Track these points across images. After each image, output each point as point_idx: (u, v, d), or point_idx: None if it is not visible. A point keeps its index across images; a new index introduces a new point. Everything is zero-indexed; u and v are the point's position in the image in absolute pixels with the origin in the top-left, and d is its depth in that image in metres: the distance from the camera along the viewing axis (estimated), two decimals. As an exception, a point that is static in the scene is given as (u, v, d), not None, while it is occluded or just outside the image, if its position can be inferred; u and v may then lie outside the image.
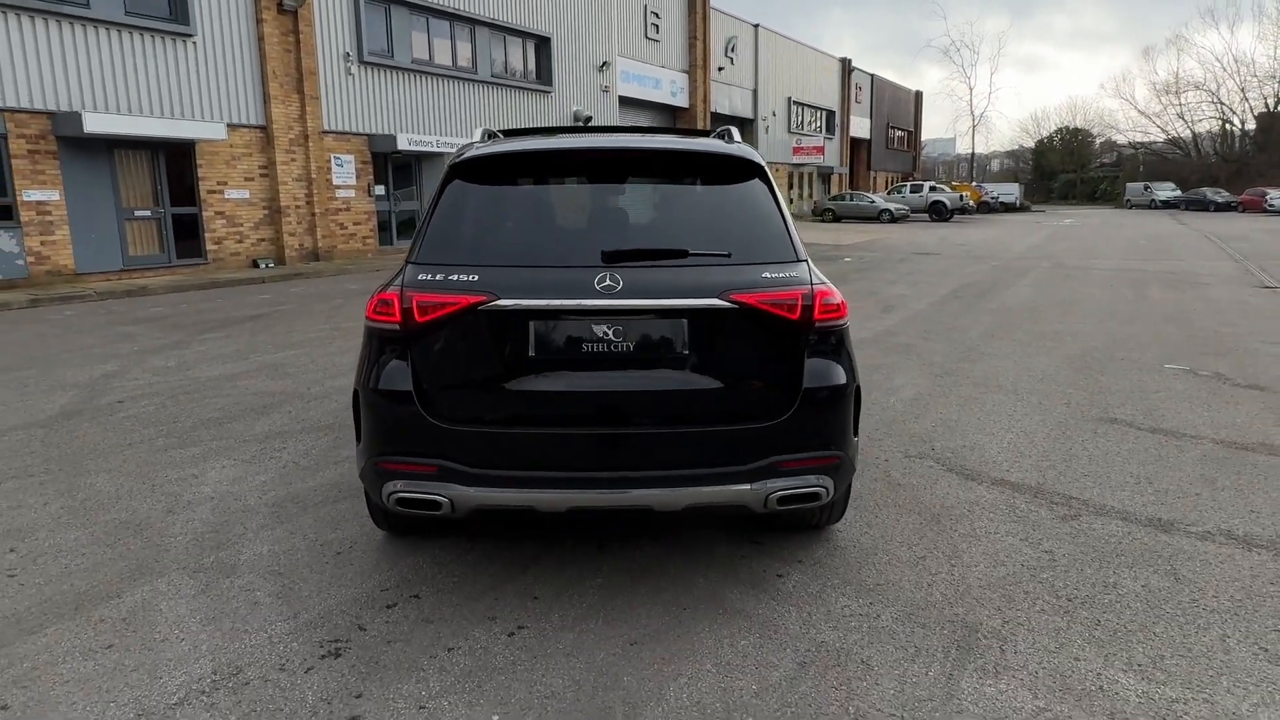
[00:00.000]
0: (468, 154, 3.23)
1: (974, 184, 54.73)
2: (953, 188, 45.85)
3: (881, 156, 54.45)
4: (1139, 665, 2.76)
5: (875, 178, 53.53)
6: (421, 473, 2.94)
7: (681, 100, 31.50)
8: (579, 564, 3.49)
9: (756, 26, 36.63)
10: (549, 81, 23.86)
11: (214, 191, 15.61)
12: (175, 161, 14.96)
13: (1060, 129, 74.88)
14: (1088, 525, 3.91)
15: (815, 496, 3.05)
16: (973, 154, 71.16)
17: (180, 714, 2.52)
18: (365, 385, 3.01)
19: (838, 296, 3.09)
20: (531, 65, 23.64)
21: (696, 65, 31.65)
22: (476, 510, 2.98)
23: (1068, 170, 71.61)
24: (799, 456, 2.98)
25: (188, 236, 15.31)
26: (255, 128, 16.13)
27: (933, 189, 40.92)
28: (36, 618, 3.09)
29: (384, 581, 3.36)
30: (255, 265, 16.26)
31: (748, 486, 2.94)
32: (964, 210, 40.30)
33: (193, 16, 14.79)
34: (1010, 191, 53.41)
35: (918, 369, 7.32)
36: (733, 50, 34.70)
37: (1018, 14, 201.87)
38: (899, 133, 57.94)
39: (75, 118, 12.88)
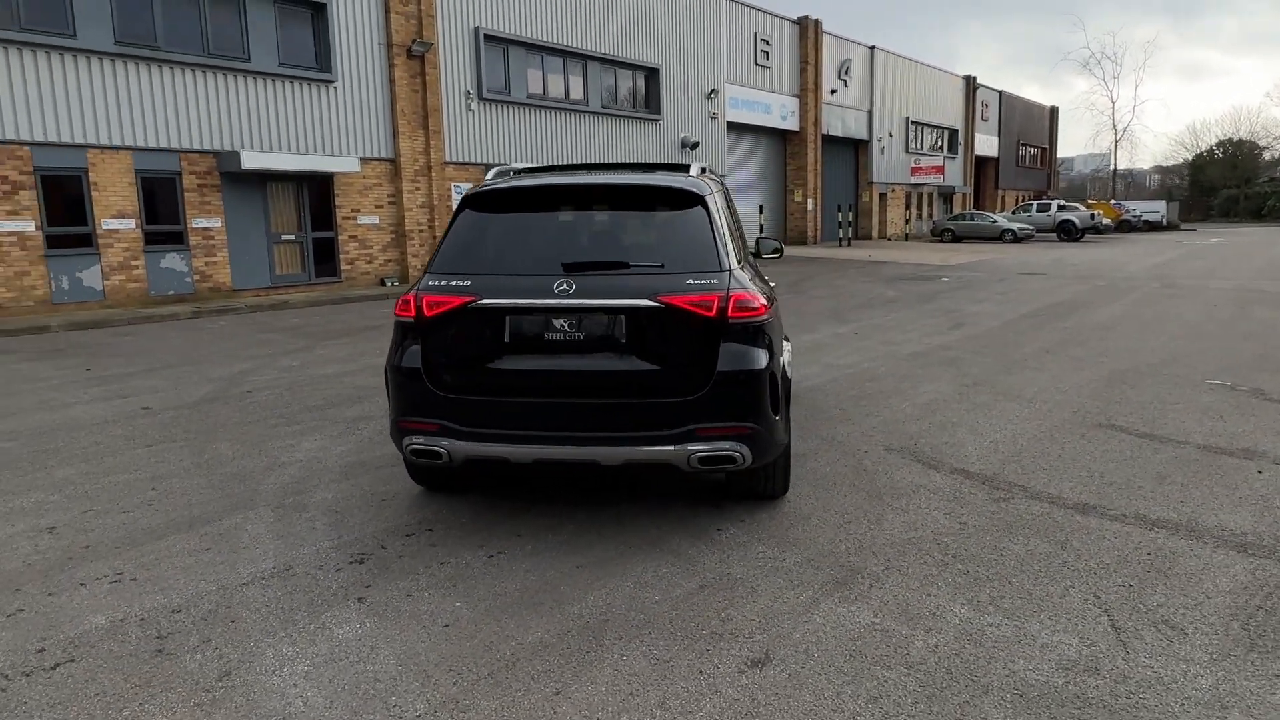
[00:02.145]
0: (475, 189, 4.19)
1: (1113, 202, 52.02)
2: (1088, 206, 43.93)
3: (1011, 175, 52.73)
4: (977, 601, 3.35)
5: (1003, 196, 51.89)
6: (427, 430, 3.90)
7: (792, 124, 32.03)
8: (560, 515, 4.35)
9: (872, 49, 36.70)
10: (657, 110, 25.04)
11: (348, 218, 17.56)
12: (316, 192, 16.98)
13: (1222, 141, 69.79)
14: (1015, 506, 4.42)
15: (731, 459, 3.81)
16: (1114, 170, 67.52)
17: (246, 589, 3.55)
18: (391, 364, 4.02)
19: (755, 300, 3.84)
20: (641, 95, 24.90)
21: (807, 89, 32.12)
22: (467, 459, 3.90)
23: (1229, 185, 66.59)
24: (714, 425, 3.75)
25: (325, 258, 17.29)
26: (385, 160, 18.02)
27: (1061, 207, 39.42)
28: (162, 530, 4.25)
29: (410, 520, 4.34)
30: (382, 283, 18.10)
31: (672, 448, 3.74)
32: (1097, 229, 38.61)
33: (334, 65, 16.80)
34: (1156, 209, 50.44)
35: (948, 380, 7.76)
36: (846, 73, 34.92)
37: (1179, 17, 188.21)
38: (1031, 150, 55.91)
39: (235, 156, 14.99)
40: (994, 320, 11.93)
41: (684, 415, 3.73)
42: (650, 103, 25.06)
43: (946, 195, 45.20)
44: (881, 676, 2.82)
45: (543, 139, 21.51)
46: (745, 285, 3.88)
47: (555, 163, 20.78)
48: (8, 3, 12.86)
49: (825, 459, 5.30)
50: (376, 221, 18.11)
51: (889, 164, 38.81)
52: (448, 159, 19.16)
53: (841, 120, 35.06)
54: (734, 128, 29.04)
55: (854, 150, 37.39)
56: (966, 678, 2.81)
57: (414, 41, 17.92)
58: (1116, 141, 71.55)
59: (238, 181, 15.63)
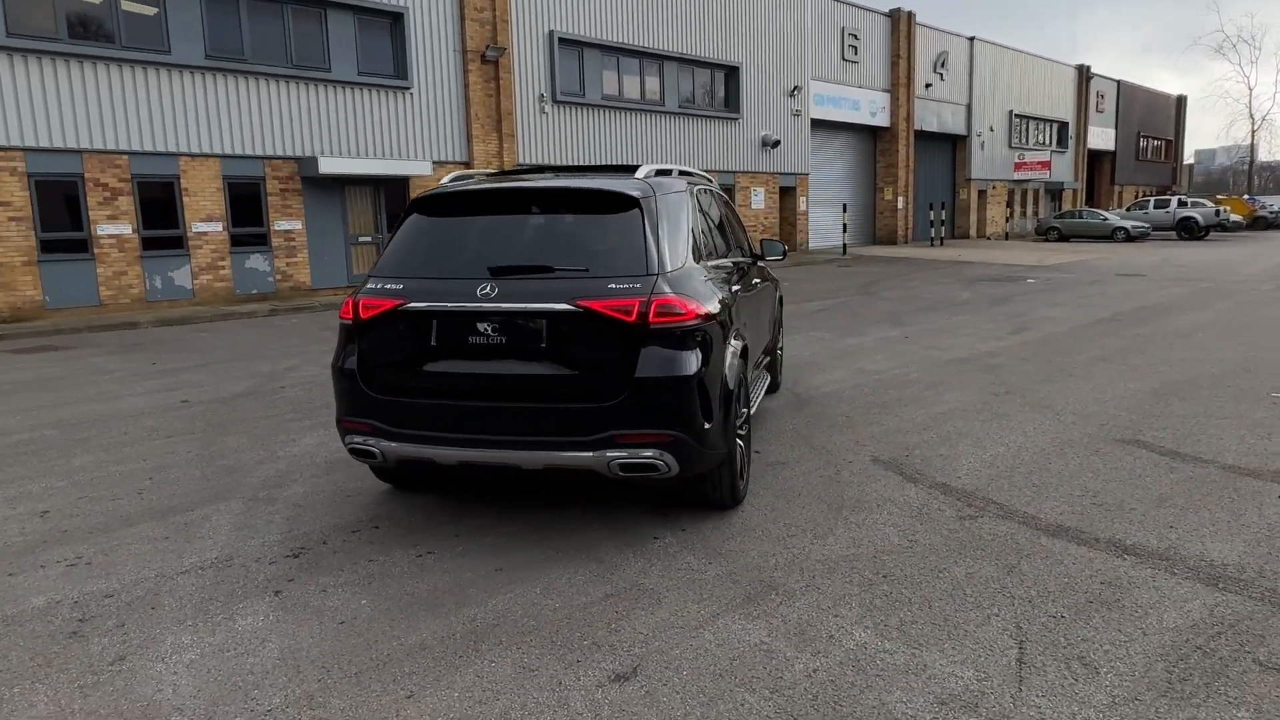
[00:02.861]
0: (423, 193, 4.25)
1: (1246, 197, 48.10)
2: (1217, 202, 40.79)
3: (1130, 169, 49.58)
4: (884, 626, 3.16)
5: (1120, 193, 48.85)
6: (362, 430, 3.99)
7: (882, 120, 31.09)
8: (507, 517, 4.37)
9: (972, 39, 35.20)
10: (736, 108, 24.79)
11: (423, 220, 18.15)
12: (391, 195, 17.63)
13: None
14: (980, 525, 4.16)
15: (654, 468, 3.73)
16: (1251, 162, 62.40)
17: (181, 578, 3.72)
18: (334, 365, 4.13)
19: (684, 305, 3.75)
20: (720, 93, 24.71)
21: (899, 84, 31.10)
22: (399, 460, 3.97)
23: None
24: (634, 432, 3.68)
25: (401, 258, 17.92)
26: (459, 164, 18.53)
27: (1182, 203, 36.79)
28: (137, 519, 4.50)
29: (363, 516, 4.45)
30: (455, 283, 18.64)
31: (590, 454, 3.69)
32: (1223, 227, 35.87)
33: (410, 72, 17.39)
34: (1297, 204, 46.34)
35: (978, 388, 7.37)
36: (943, 65, 33.63)
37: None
38: (1154, 142, 52.40)
39: (314, 161, 15.74)
40: (1062, 325, 11.25)
41: (602, 421, 3.68)
42: (730, 101, 24.84)
43: (1055, 192, 42.91)
44: (741, 700, 2.71)
45: (617, 140, 21.64)
46: (677, 289, 3.80)
47: (628, 163, 20.87)
48: (112, 24, 13.91)
49: (804, 468, 5.12)
50: (450, 223, 18.63)
51: (989, 159, 37.17)
52: (520, 162, 19.51)
53: (937, 115, 33.79)
54: (819, 125, 28.44)
55: (950, 146, 35.98)
56: (830, 706, 2.66)
57: (488, 47, 18.35)
58: (1254, 131, 66.03)
59: (317, 186, 16.39)
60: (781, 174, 26.64)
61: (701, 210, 4.92)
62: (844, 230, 27.29)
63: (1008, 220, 38.47)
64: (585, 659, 2.97)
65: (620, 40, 21.39)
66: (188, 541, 4.15)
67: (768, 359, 6.75)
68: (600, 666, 2.92)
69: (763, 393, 5.99)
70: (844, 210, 27.29)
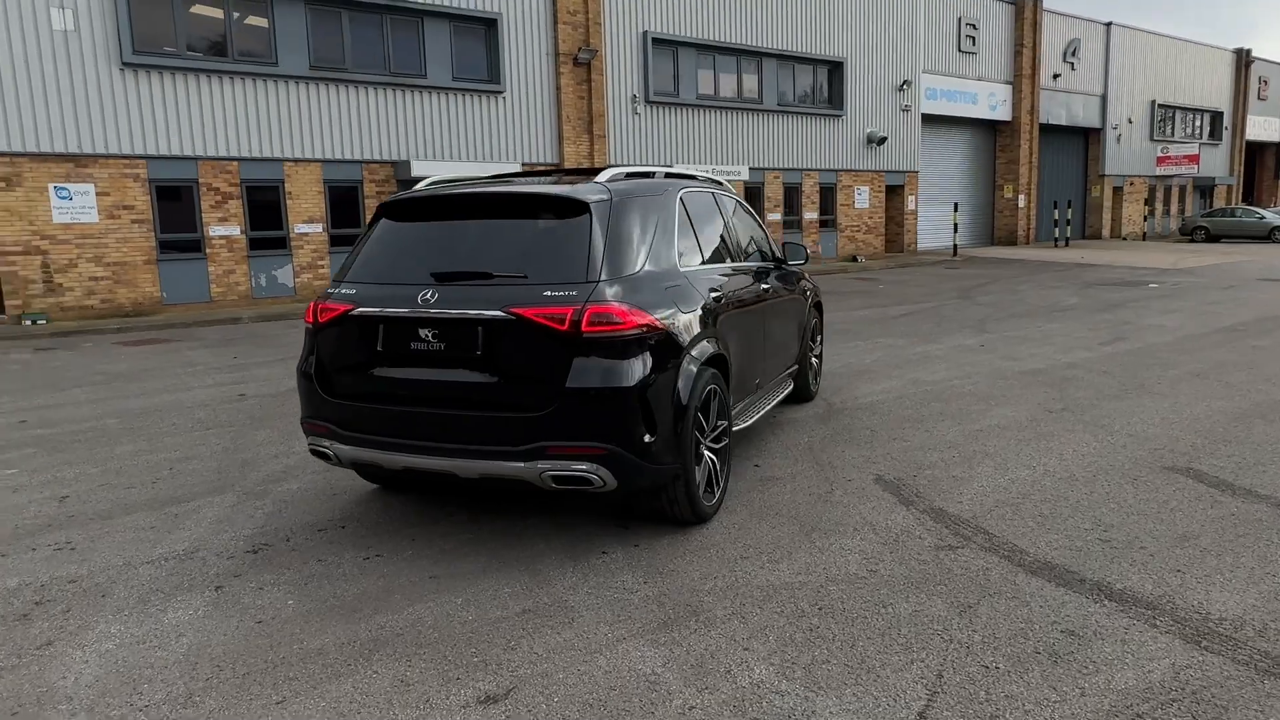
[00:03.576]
0: (389, 198, 4.29)
1: None
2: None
3: (1297, 162, 44.91)
4: (791, 664, 2.93)
5: (1285, 188, 44.35)
6: (319, 431, 4.06)
7: (1003, 114, 29.41)
8: (469, 523, 4.35)
9: (1109, 25, 32.77)
10: (840, 105, 24.05)
11: (514, 220, 18.55)
12: (484, 196, 18.10)
13: None
14: (956, 557, 3.81)
15: (587, 481, 3.61)
16: None
17: (143, 568, 3.90)
18: (298, 367, 4.22)
19: (621, 314, 3.60)
20: (822, 90, 24.04)
21: (1022, 75, 29.33)
22: (351, 462, 4.02)
23: None
24: (564, 444, 3.57)
25: (492, 258, 18.39)
26: (550, 165, 18.80)
27: (1356, 200, 32.99)
28: (137, 507, 4.76)
29: (337, 515, 4.54)
30: (545, 283, 18.95)
31: (522, 464, 3.61)
32: None
33: (503, 76, 17.79)
34: None
35: (1034, 403, 6.81)
36: (1074, 54, 31.48)
37: None
38: (1328, 132, 47.21)
39: (407, 165, 16.35)
40: (1168, 335, 10.28)
41: (533, 432, 3.59)
42: (833, 98, 24.13)
43: (1205, 188, 39.43)
44: (598, 734, 2.57)
45: (712, 139, 21.42)
46: (621, 297, 3.66)
47: (715, 164, 20.65)
48: (225, 39, 14.92)
49: (797, 485, 4.86)
50: (541, 224, 18.96)
51: (1127, 154, 34.54)
52: (611, 163, 19.62)
53: (1066, 107, 31.68)
54: (931, 120, 27.22)
55: (1082, 140, 33.67)
56: (687, 750, 2.48)
57: (580, 49, 18.54)
58: None
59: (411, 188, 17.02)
60: (888, 172, 25.66)
61: (690, 215, 4.74)
62: (954, 230, 26.00)
63: (1146, 219, 35.63)
64: (466, 677, 2.90)
65: (716, 39, 21.15)
66: (168, 532, 4.36)
67: (793, 368, 6.48)
68: (476, 686, 2.84)
69: (773, 404, 5.73)
70: (955, 209, 26.00)
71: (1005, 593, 3.44)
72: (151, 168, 14.33)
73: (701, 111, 21.17)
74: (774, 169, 22.86)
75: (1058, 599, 3.37)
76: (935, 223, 28.28)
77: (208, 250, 15.07)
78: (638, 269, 3.93)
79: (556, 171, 4.41)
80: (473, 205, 4.09)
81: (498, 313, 3.61)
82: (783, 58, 22.72)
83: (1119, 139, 34.01)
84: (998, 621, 3.20)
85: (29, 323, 13.29)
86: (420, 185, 4.55)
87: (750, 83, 22.31)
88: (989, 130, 30.17)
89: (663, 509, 4.08)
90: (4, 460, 5.82)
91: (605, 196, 3.97)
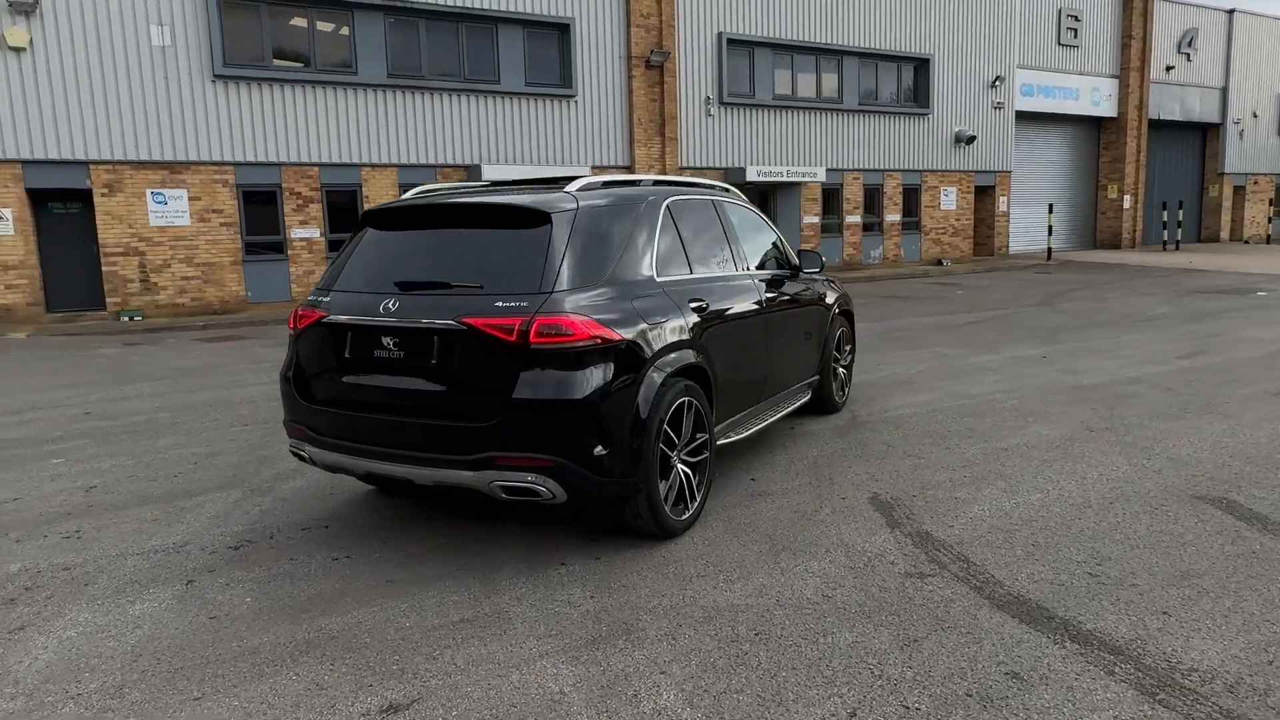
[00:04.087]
0: (373, 207, 4.38)
1: None
2: None
3: None
4: (703, 693, 2.84)
5: None
6: (298, 435, 4.19)
7: (1107, 109, 27.83)
8: (446, 528, 4.41)
9: (1231, 13, 30.54)
10: (926, 103, 23.26)
11: (584, 223, 18.73)
12: (555, 199, 18.34)
13: None
14: (922, 586, 3.61)
15: (534, 493, 3.60)
16: None
17: (131, 559, 4.11)
18: (280, 371, 4.37)
19: (572, 325, 3.57)
20: (907, 88, 23.31)
21: (1130, 68, 27.67)
22: (324, 466, 4.12)
23: None
24: (512, 455, 3.57)
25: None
26: (621, 168, 18.90)
27: None
28: (152, 499, 5.03)
29: (325, 515, 4.67)
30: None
31: (471, 474, 3.63)
32: None
33: (575, 80, 17.99)
34: None
35: (1076, 422, 6.41)
36: (1190, 45, 29.48)
37: None
38: None
39: (478, 169, 16.73)
40: (1258, 350, 9.51)
41: (482, 442, 3.60)
42: (918, 96, 23.37)
43: (1342, 186, 36.23)
44: (481, 752, 2.55)
45: (787, 140, 21.07)
46: (574, 308, 3.63)
47: (790, 165, 20.30)
48: (308, 50, 15.63)
49: (786, 501, 4.72)
50: (611, 226, 19.08)
51: (1252, 150, 32.14)
52: (683, 164, 19.57)
53: (1180, 101, 29.71)
54: (1026, 117, 26.03)
55: (1198, 136, 31.52)
56: (561, 775, 2.43)
57: (653, 52, 18.56)
58: None
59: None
60: (977, 172, 24.67)
61: (678, 224, 4.66)
62: (1049, 233, 24.74)
63: (1271, 220, 33.04)
64: (378, 685, 2.93)
65: (794, 38, 20.80)
66: (168, 525, 4.58)
67: (812, 379, 6.30)
68: (383, 695, 2.87)
69: (779, 416, 5.59)
70: (1049, 211, 24.75)
71: (960, 627, 3.24)
72: (239, 174, 15.14)
73: (777, 112, 20.86)
74: (853, 170, 22.30)
75: (1015, 637, 3.15)
76: (1029, 225, 27.02)
77: (289, 251, 15.81)
78: (601, 279, 3.89)
79: (555, 180, 4.41)
80: (445, 215, 4.14)
81: (451, 322, 3.64)
82: (865, 56, 22.14)
83: (1241, 135, 31.67)
84: (940, 658, 3.02)
85: (126, 319, 14.26)
86: (410, 193, 4.64)
87: (830, 82, 21.84)
88: (1091, 127, 28.60)
89: (627, 522, 4.03)
90: (56, 450, 6.25)
91: (570, 206, 3.95)
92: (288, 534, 4.41)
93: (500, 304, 3.63)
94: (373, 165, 16.26)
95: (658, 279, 4.28)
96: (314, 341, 4.10)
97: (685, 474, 4.24)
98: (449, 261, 3.95)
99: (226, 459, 5.88)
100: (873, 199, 22.95)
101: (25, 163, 13.66)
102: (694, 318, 4.37)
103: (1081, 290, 16.75)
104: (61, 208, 14.48)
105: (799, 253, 6.19)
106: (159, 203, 14.60)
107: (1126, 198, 28.47)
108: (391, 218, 4.27)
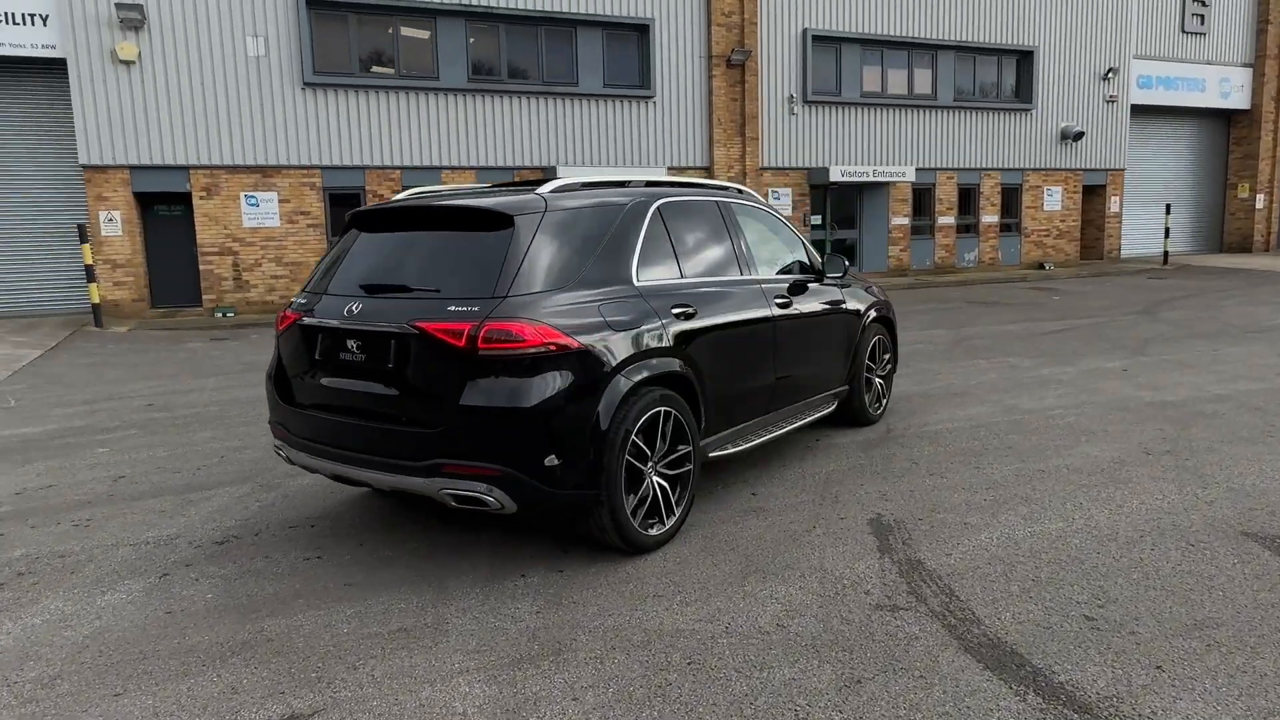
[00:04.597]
0: (357, 209, 4.39)
1: None
2: None
3: None
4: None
5: None
6: (278, 434, 4.25)
7: (1238, 101, 25.65)
8: (427, 531, 4.38)
9: (1389, -8, 27.61)
10: (1029, 98, 22.03)
11: (661, 224, 18.61)
12: (632, 201, 18.32)
13: None
14: (889, 621, 3.33)
15: (483, 502, 3.51)
16: None
17: (123, 549, 4.25)
18: (266, 371, 4.43)
19: (523, 331, 3.46)
20: (1008, 82, 22.13)
21: (1267, 56, 25.41)
22: (300, 465, 4.15)
23: None
24: (459, 463, 3.48)
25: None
26: (699, 169, 18.69)
27: None
28: (168, 490, 5.21)
29: (316, 514, 4.72)
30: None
31: (422, 480, 3.57)
32: None
33: (654, 81, 17.90)
34: None
35: (1135, 444, 5.86)
36: (1338, 28, 26.79)
37: None
38: None
39: (554, 171, 16.87)
40: (1379, 366, 8.50)
41: (432, 448, 3.54)
42: (1021, 90, 22.17)
43: None
44: (357, 772, 2.47)
45: (874, 139, 20.36)
46: (529, 314, 3.52)
47: (877, 164, 19.61)
48: (393, 56, 16.13)
49: (778, 519, 4.47)
50: (688, 228, 18.89)
51: None
52: (764, 164, 19.19)
53: (1325, 91, 27.04)
54: (1143, 111, 24.30)
55: (1348, 129, 28.60)
56: (426, 804, 2.32)
57: (734, 50, 18.27)
58: None
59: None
60: (1086, 170, 23.19)
61: (669, 227, 4.48)
62: (1165, 235, 23.00)
63: None
64: (290, 692, 2.90)
65: (885, 33, 20.07)
66: (170, 517, 4.74)
67: (839, 389, 5.99)
68: (289, 703, 2.83)
69: (792, 428, 5.32)
70: (1167, 212, 22.99)
71: (914, 670, 2.95)
72: (325, 177, 15.77)
73: (864, 110, 20.17)
74: (947, 169, 21.34)
75: (971, 685, 2.85)
76: (1145, 226, 25.22)
77: (372, 252, 16.34)
78: (567, 284, 3.76)
79: (533, 182, 4.34)
80: (418, 218, 4.10)
81: (405, 327, 3.60)
82: (962, 49, 21.16)
83: (1400, 127, 28.56)
84: (877, 704, 2.75)
85: (220, 315, 15.07)
86: (402, 195, 4.64)
87: (923, 78, 20.97)
88: (1220, 121, 26.45)
89: (592, 534, 3.89)
90: (106, 440, 6.60)
91: (537, 209, 3.84)
92: (274, 531, 4.48)
93: (453, 308, 3.55)
94: (452, 168, 16.64)
95: (638, 284, 4.12)
96: (291, 343, 4.14)
97: (661, 487, 4.07)
98: (414, 264, 3.92)
99: (250, 454, 6.07)
100: (968, 199, 21.91)
101: (133, 168, 14.63)
102: (678, 324, 4.19)
103: (1192, 297, 15.46)
104: (166, 210, 15.44)
105: (824, 257, 5.88)
106: (251, 205, 15.37)
107: (1260, 197, 26.17)
108: (373, 219, 4.27)
